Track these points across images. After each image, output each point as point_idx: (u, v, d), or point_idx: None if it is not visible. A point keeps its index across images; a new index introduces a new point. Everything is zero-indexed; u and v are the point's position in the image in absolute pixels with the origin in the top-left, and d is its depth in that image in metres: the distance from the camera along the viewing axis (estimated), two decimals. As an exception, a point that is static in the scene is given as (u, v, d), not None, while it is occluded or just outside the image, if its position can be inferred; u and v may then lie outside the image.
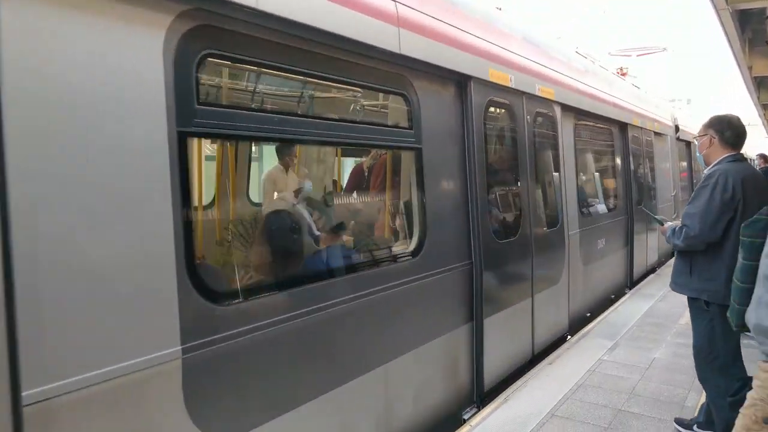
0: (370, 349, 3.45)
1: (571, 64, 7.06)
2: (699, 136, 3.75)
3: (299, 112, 4.04)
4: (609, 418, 4.20)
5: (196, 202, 3.62)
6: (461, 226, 4.43)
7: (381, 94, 3.89)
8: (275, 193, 7.13)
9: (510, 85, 4.99)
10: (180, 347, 2.29)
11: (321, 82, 3.44)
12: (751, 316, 2.40)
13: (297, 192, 7.00)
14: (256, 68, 3.04)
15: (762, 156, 17.88)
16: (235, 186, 5.46)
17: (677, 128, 12.63)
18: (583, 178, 7.49)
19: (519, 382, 4.91)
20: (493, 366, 4.72)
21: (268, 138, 3.11)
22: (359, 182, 5.79)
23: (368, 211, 5.22)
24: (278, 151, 7.26)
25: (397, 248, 4.17)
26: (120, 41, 2.13)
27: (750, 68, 19.59)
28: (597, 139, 8.08)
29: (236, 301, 2.60)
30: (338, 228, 3.58)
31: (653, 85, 15.91)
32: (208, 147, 5.30)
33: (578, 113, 6.88)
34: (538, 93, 5.56)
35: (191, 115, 2.37)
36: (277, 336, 2.78)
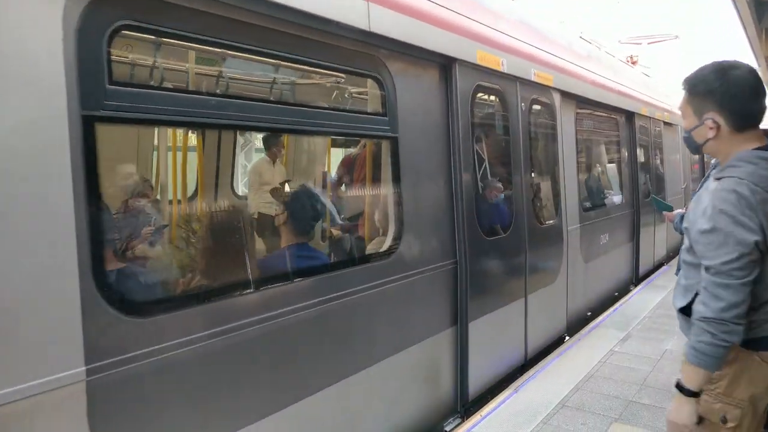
0: (333, 359, 3.11)
1: (573, 49, 6.64)
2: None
3: (243, 95, 3.68)
4: (620, 409, 4.19)
5: (110, 199, 3.27)
6: (445, 222, 4.07)
7: (348, 77, 3.52)
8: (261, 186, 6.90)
9: (501, 70, 4.61)
10: (84, 368, 1.96)
11: (271, 61, 3.08)
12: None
13: (282, 185, 6.73)
14: (187, 44, 2.70)
15: None
16: (166, 179, 4.90)
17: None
18: (585, 170, 7.08)
19: (529, 373, 4.88)
20: (480, 373, 4.37)
21: (202, 124, 2.75)
22: (326, 174, 5.44)
23: (336, 205, 4.87)
24: (265, 141, 6.97)
25: (369, 247, 3.83)
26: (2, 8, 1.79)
27: (767, 58, 19.06)
28: (601, 129, 7.65)
29: (161, 312, 2.26)
30: (298, 225, 3.22)
31: (667, 75, 15.39)
32: (137, 134, 4.73)
33: (580, 101, 6.46)
34: (534, 78, 5.16)
35: (101, 96, 2.03)
36: (215, 351, 2.45)
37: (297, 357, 2.90)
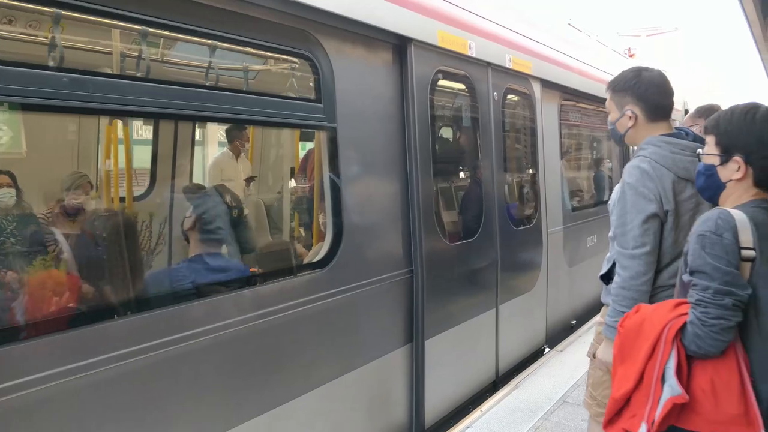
0: (248, 393, 2.61)
1: (559, 36, 6.13)
2: None
3: (132, 75, 3.11)
4: (621, 405, 3.97)
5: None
6: (398, 226, 3.57)
7: (272, 55, 3.02)
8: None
9: (469, 54, 4.10)
10: None
11: (169, 34, 2.57)
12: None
13: (248, 181, 6.23)
14: (62, 12, 2.16)
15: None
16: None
17: (687, 112, 11.62)
18: (571, 167, 6.57)
19: (531, 368, 4.82)
20: (439, 396, 3.87)
21: (78, 109, 2.22)
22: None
23: (254, 208, 4.37)
24: (228, 134, 6.46)
25: (299, 258, 3.34)
26: None
27: (771, 53, 18.59)
28: (589, 123, 7.13)
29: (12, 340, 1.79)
30: (205, 231, 2.72)
31: (665, 68, 14.85)
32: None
33: (565, 92, 5.95)
34: (509, 65, 4.65)
35: None
36: (75, 390, 1.96)
37: (199, 391, 2.41)
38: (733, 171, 1.83)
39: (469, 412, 4.12)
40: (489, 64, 4.41)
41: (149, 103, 2.30)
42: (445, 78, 4.05)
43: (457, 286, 4.04)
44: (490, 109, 4.44)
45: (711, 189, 1.94)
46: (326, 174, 3.10)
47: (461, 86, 4.29)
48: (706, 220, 1.79)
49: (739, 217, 1.74)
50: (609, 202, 2.47)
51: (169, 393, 2.29)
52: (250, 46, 2.76)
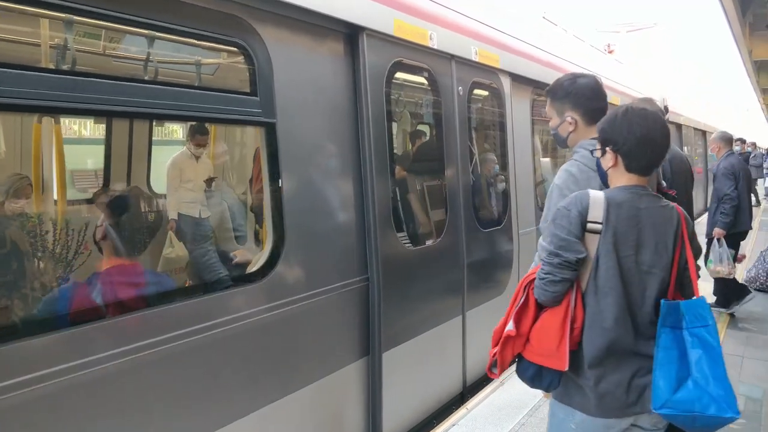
0: (167, 424, 2.32)
1: (532, 30, 5.88)
2: None
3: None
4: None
5: None
6: (351, 231, 3.30)
7: (200, 44, 2.72)
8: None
9: (430, 45, 3.83)
10: None
11: (78, 18, 2.26)
12: None
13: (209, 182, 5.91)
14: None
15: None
16: None
17: (666, 110, 11.47)
18: (544, 165, 6.33)
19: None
20: (398, 413, 3.61)
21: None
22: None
23: (191, 213, 4.07)
24: (190, 132, 6.12)
25: (232, 269, 3.06)
26: None
27: (750, 52, 18.62)
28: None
29: None
30: (119, 240, 2.43)
31: (642, 64, 14.74)
32: None
33: (537, 87, 5.70)
34: (475, 58, 4.39)
35: None
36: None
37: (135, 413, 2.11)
38: (608, 161, 2.07)
39: (433, 427, 3.87)
40: (453, 56, 4.15)
41: (53, 97, 2.00)
42: (403, 71, 3.79)
43: (418, 293, 3.78)
44: (454, 105, 4.18)
45: (602, 178, 2.16)
46: (264, 174, 2.82)
47: (422, 80, 4.03)
48: (567, 198, 2.08)
49: (596, 196, 1.99)
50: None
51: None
52: (171, 33, 2.45)
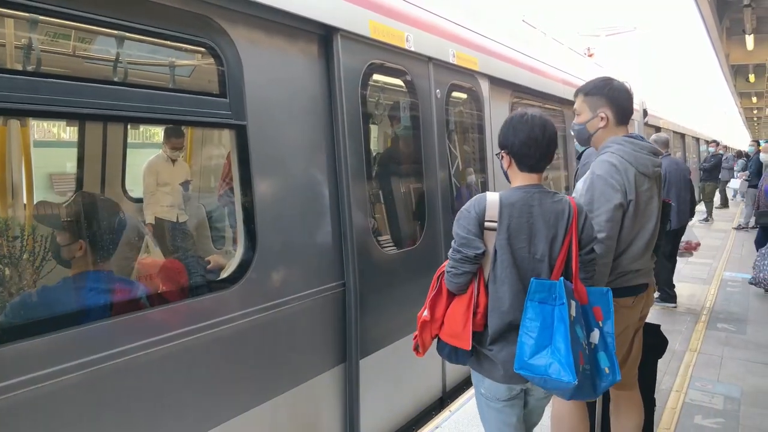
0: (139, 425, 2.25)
1: (511, 32, 5.88)
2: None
3: None
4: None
5: None
6: (327, 235, 3.25)
7: (167, 44, 2.66)
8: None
9: (406, 47, 3.80)
10: None
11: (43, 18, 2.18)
12: None
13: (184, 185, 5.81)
14: None
15: (756, 141, 17.17)
16: None
17: (645, 113, 11.59)
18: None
19: None
20: (376, 419, 3.55)
21: None
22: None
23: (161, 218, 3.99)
24: (165, 134, 6.02)
25: (204, 275, 3.00)
26: None
27: (727, 56, 18.91)
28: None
29: None
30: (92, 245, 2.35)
31: (622, 68, 14.87)
32: None
33: (516, 90, 5.70)
34: (452, 60, 4.37)
35: None
36: None
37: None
38: (505, 162, 2.35)
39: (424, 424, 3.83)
40: (430, 59, 4.12)
41: (16, 99, 1.92)
42: (379, 72, 3.75)
43: (396, 298, 3.73)
44: (431, 107, 4.15)
45: (506, 177, 2.40)
46: (236, 177, 2.76)
47: (398, 82, 3.99)
48: (469, 201, 2.31)
49: (492, 198, 2.24)
50: (573, 194, 2.62)
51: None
52: (136, 33, 2.39)
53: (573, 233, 2.22)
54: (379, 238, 3.68)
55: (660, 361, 3.41)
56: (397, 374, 3.75)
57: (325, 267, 3.23)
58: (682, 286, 8.03)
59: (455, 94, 4.61)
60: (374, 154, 3.92)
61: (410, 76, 3.95)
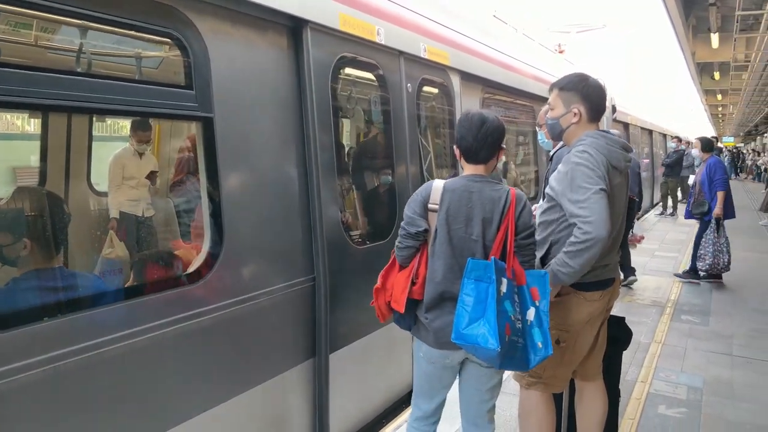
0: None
1: (481, 28, 5.91)
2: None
3: None
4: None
5: None
6: (296, 230, 3.22)
7: (129, 34, 2.60)
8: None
9: (377, 40, 3.78)
10: None
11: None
12: None
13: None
14: None
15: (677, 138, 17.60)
16: None
17: (614, 109, 11.76)
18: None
19: None
20: (347, 413, 3.55)
21: None
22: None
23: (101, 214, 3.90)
24: (132, 127, 5.88)
25: (166, 270, 2.95)
26: None
27: (693, 54, 19.33)
28: (513, 118, 6.97)
29: None
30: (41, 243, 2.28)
31: (592, 65, 15.08)
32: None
33: (487, 85, 5.74)
34: (424, 55, 4.37)
35: None
36: None
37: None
38: (457, 156, 2.62)
39: (383, 426, 3.83)
40: (401, 53, 4.11)
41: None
42: (349, 66, 3.73)
43: (368, 292, 3.72)
44: (403, 101, 4.15)
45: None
46: (202, 170, 2.71)
47: (369, 76, 3.97)
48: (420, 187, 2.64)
49: (437, 184, 2.54)
50: (547, 190, 2.72)
51: None
52: (98, 22, 2.33)
53: (510, 219, 2.44)
54: (351, 233, 3.67)
55: (626, 353, 3.48)
56: (369, 368, 3.75)
57: (295, 261, 3.21)
58: (648, 279, 8.22)
59: (426, 88, 4.61)
60: (345, 148, 3.89)
61: (381, 70, 3.94)
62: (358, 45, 3.66)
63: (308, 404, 3.31)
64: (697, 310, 6.64)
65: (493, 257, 2.38)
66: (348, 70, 3.76)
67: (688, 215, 8.29)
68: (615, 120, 12.14)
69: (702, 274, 7.96)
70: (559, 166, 2.69)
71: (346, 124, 3.94)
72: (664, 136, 22.22)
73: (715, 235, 7.59)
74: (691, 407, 4.15)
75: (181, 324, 2.50)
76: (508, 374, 4.23)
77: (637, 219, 12.88)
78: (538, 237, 2.79)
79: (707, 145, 8.21)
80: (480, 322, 2.27)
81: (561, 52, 12.53)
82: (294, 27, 3.18)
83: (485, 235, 2.46)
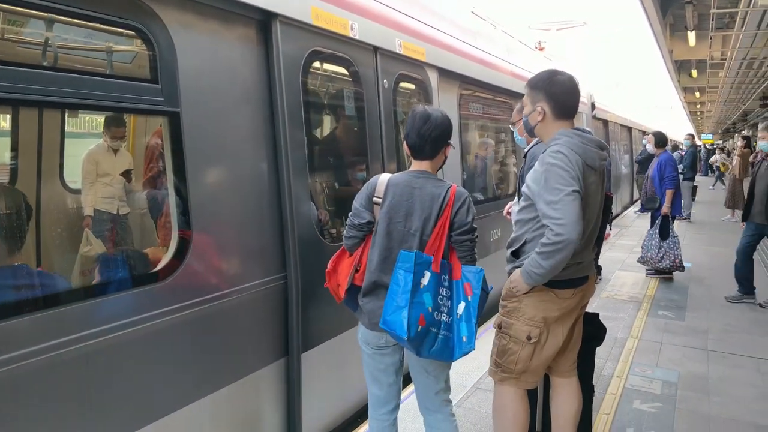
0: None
1: (459, 24, 5.88)
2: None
3: None
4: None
5: None
6: (266, 228, 3.17)
7: (93, 26, 2.51)
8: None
9: (351, 35, 3.74)
10: None
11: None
12: None
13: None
14: None
15: (690, 136, 17.78)
16: None
17: (593, 106, 11.85)
18: (472, 160, 6.36)
19: None
20: (319, 413, 3.50)
21: None
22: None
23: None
24: (105, 123, 5.77)
25: (134, 268, 2.89)
26: None
27: (671, 52, 19.54)
28: (491, 115, 6.97)
29: None
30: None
31: (572, 62, 15.17)
32: None
33: (464, 81, 5.72)
34: (399, 50, 4.34)
35: None
36: None
37: None
38: (405, 152, 2.76)
39: (357, 426, 3.79)
40: (376, 48, 4.07)
41: None
42: (322, 61, 3.68)
43: None
44: (378, 97, 4.11)
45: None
46: (168, 166, 2.65)
47: (343, 71, 3.93)
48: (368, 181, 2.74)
49: (383, 179, 2.67)
50: (524, 189, 2.71)
51: None
52: (58, 13, 2.25)
53: (446, 215, 2.54)
54: (323, 230, 3.62)
55: (602, 349, 3.49)
56: (342, 367, 3.71)
57: (265, 259, 3.15)
58: (625, 275, 8.29)
59: (403, 84, 4.58)
60: (318, 144, 3.83)
61: (355, 65, 3.89)
62: (332, 39, 3.61)
63: (280, 404, 3.26)
64: (673, 306, 6.70)
65: (416, 250, 2.49)
66: (320, 65, 3.71)
67: (643, 209, 8.39)
68: (594, 117, 12.23)
69: (648, 270, 8.05)
70: (536, 165, 2.68)
71: (319, 120, 3.88)
72: (644, 132, 22.47)
73: (657, 232, 7.61)
74: (666, 402, 4.18)
75: (147, 323, 2.44)
76: (485, 372, 4.25)
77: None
78: (514, 234, 2.85)
79: (660, 140, 8.22)
80: (402, 310, 2.39)
81: (541, 49, 12.56)
82: (263, 20, 3.12)
83: (424, 229, 2.56)
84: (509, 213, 3.76)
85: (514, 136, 3.99)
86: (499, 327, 2.87)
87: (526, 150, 3.64)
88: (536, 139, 3.43)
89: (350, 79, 3.95)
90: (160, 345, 2.52)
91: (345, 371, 3.75)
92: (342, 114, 4.02)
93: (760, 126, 7.04)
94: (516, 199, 3.90)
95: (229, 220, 2.92)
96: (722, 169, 22.88)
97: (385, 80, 4.17)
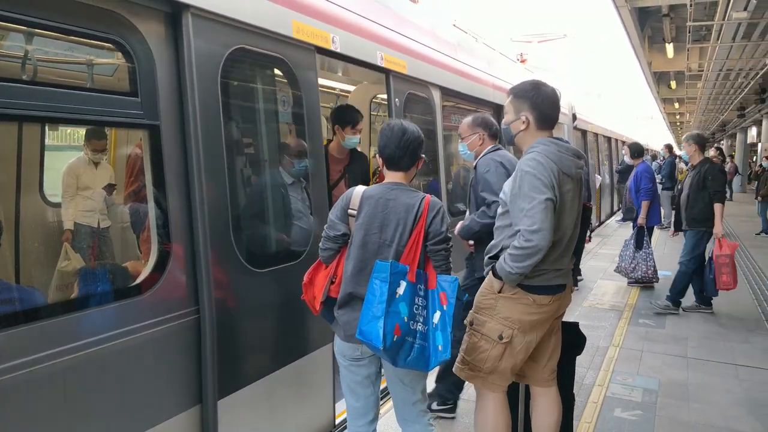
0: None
1: (438, 35, 5.94)
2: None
3: None
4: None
5: None
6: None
7: (69, 38, 2.47)
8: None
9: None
10: None
11: None
12: None
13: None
14: None
15: (667, 146, 18.02)
16: None
17: (575, 117, 12.00)
18: (449, 171, 6.37)
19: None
20: None
21: None
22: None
23: None
24: (86, 136, 5.71)
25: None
26: None
27: (650, 64, 19.89)
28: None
29: None
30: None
31: (553, 74, 15.36)
32: None
33: (445, 93, 5.76)
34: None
35: None
36: None
37: None
38: (380, 164, 2.78)
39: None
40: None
41: None
42: (251, 61, 3.24)
43: (273, 323, 3.24)
44: (317, 102, 3.65)
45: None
46: (148, 179, 2.62)
47: (278, 72, 3.47)
48: (344, 193, 2.77)
49: (357, 192, 2.71)
50: (501, 195, 2.80)
51: None
52: (46, 29, 2.20)
53: (421, 226, 2.58)
54: (248, 253, 3.06)
55: (584, 357, 3.51)
56: (273, 411, 3.22)
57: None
58: (607, 284, 8.36)
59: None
60: (243, 154, 3.36)
61: (293, 67, 3.40)
62: (260, 36, 3.13)
63: None
64: (654, 314, 6.77)
65: (391, 260, 2.52)
66: (248, 65, 3.28)
67: (624, 219, 8.53)
68: (575, 128, 12.38)
69: (630, 281, 8.15)
70: (514, 172, 2.75)
71: (244, 125, 3.38)
72: (624, 143, 22.75)
73: (633, 242, 7.74)
74: (646, 409, 4.22)
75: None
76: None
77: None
78: (493, 241, 2.90)
79: (636, 151, 8.31)
80: (378, 320, 2.41)
81: (523, 61, 12.72)
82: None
83: (399, 240, 2.59)
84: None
85: (460, 149, 3.99)
86: (471, 324, 2.90)
87: (474, 163, 3.70)
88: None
89: (285, 82, 3.49)
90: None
91: (279, 415, 3.28)
92: (275, 120, 3.59)
93: (683, 138, 7.17)
94: (467, 213, 3.92)
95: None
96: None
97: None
